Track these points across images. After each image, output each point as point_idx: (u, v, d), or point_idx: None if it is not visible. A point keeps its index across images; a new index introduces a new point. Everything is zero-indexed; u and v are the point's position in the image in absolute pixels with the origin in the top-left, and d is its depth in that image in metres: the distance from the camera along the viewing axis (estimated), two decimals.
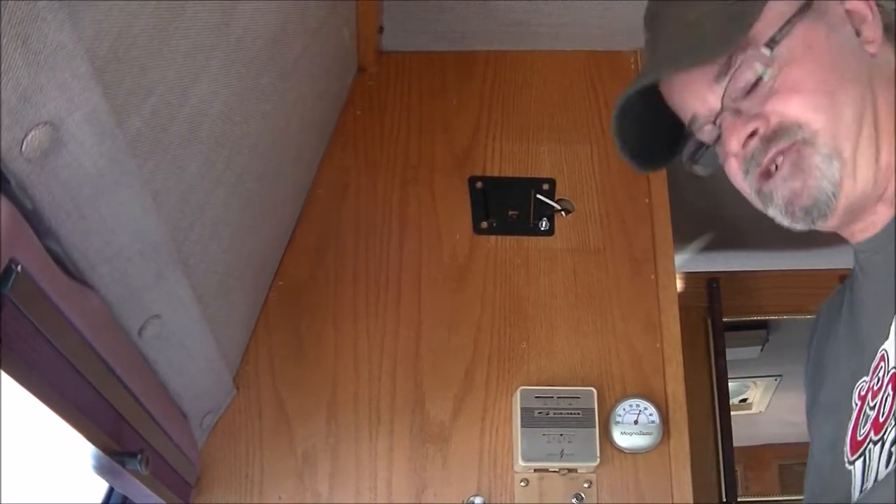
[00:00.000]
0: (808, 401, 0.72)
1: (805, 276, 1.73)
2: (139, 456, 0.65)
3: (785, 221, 0.62)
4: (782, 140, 0.60)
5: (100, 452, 0.62)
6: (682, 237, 1.73)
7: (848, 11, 0.63)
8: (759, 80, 0.61)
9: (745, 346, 1.90)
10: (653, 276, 1.10)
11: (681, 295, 1.11)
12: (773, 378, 2.10)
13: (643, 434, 0.98)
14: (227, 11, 0.68)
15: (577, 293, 1.09)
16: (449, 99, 1.21)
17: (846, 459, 0.61)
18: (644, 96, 0.65)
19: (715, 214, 1.63)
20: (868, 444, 0.58)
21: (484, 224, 1.12)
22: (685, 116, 0.66)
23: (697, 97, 0.63)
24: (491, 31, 1.21)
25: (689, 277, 1.82)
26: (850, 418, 0.61)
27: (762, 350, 1.94)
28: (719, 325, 1.76)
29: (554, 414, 0.97)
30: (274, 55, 0.82)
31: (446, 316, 1.07)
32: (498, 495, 0.97)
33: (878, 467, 0.56)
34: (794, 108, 0.60)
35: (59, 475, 0.78)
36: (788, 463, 2.07)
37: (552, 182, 1.15)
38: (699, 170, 0.68)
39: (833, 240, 0.65)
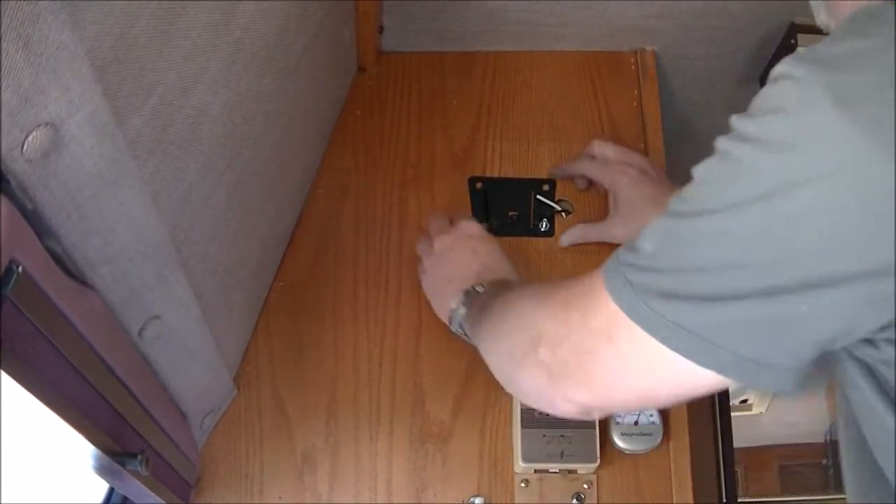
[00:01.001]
0: None
1: None
2: (139, 456, 0.65)
3: None
4: None
5: (100, 453, 0.62)
6: None
7: None
8: None
9: None
10: None
11: None
12: None
13: (643, 435, 0.98)
14: (227, 12, 0.68)
15: None
16: (449, 99, 1.21)
17: None
18: None
19: None
20: None
21: (484, 224, 1.12)
22: None
23: None
24: (491, 31, 1.21)
25: None
26: None
27: None
28: None
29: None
30: (274, 56, 0.82)
31: None
32: (498, 496, 0.97)
33: None
34: None
35: (59, 475, 0.78)
36: (789, 464, 2.06)
37: (552, 183, 1.15)
38: None
39: None
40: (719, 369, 0.55)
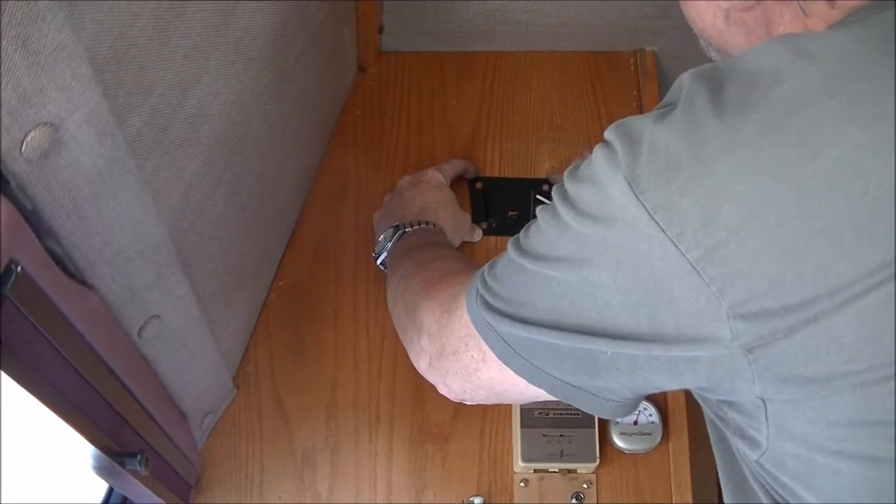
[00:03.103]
0: None
1: None
2: (139, 456, 0.65)
3: None
4: None
5: (99, 453, 0.62)
6: None
7: None
8: None
9: None
10: None
11: None
12: None
13: (643, 434, 0.98)
14: (226, 12, 0.68)
15: None
16: (449, 99, 1.21)
17: None
18: None
19: None
20: None
21: (484, 225, 1.12)
22: None
23: None
24: (491, 31, 1.21)
25: None
26: None
27: None
28: None
29: (554, 414, 0.97)
30: (274, 55, 0.82)
31: None
32: (498, 495, 0.97)
33: None
34: None
35: (59, 475, 0.78)
36: None
37: (553, 183, 1.15)
38: None
39: None
40: (547, 389, 0.61)
